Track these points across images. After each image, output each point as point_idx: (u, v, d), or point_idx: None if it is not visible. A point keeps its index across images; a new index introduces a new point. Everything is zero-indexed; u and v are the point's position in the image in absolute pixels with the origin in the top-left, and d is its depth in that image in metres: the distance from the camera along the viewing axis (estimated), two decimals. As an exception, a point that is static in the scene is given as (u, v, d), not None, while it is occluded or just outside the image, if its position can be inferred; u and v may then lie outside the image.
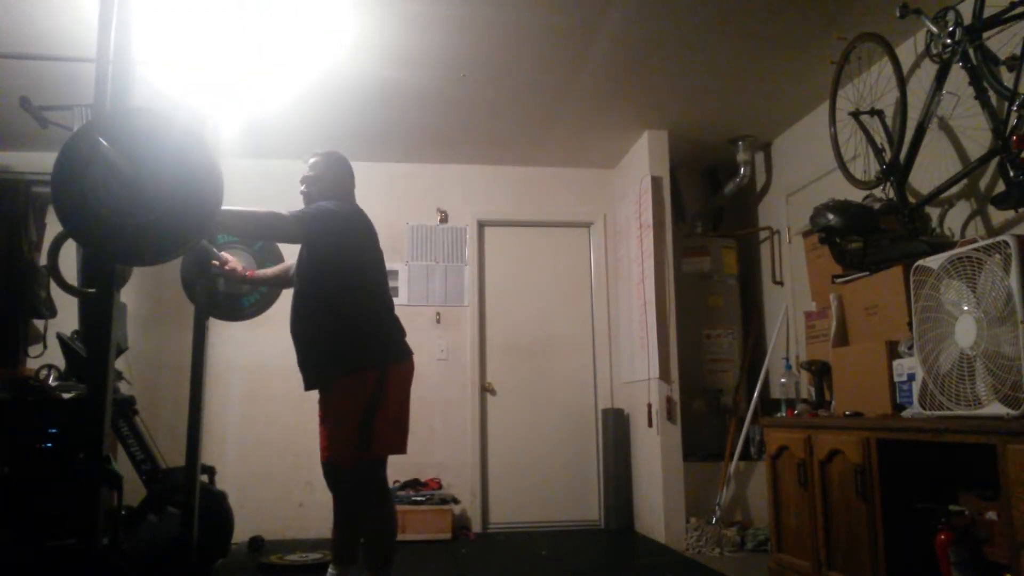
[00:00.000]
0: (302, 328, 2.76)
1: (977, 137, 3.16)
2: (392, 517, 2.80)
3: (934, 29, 3.11)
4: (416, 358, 5.27)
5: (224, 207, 1.99)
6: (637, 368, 4.95)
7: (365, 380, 2.64)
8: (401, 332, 2.84)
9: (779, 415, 3.71)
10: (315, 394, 2.82)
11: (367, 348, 2.68)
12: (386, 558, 2.70)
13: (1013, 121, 2.77)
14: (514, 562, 4.21)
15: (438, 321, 5.32)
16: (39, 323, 4.17)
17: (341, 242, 2.71)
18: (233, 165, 4.72)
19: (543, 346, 5.47)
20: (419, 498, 4.80)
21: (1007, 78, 2.84)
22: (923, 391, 2.64)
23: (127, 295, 3.97)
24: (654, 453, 4.63)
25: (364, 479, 2.68)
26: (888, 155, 3.48)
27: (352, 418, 2.62)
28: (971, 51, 2.94)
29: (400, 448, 2.72)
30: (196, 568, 2.91)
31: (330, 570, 2.73)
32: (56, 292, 4.16)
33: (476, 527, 5.07)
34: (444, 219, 5.48)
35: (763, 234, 5.15)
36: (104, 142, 1.81)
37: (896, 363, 2.97)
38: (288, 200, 5.27)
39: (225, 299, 3.07)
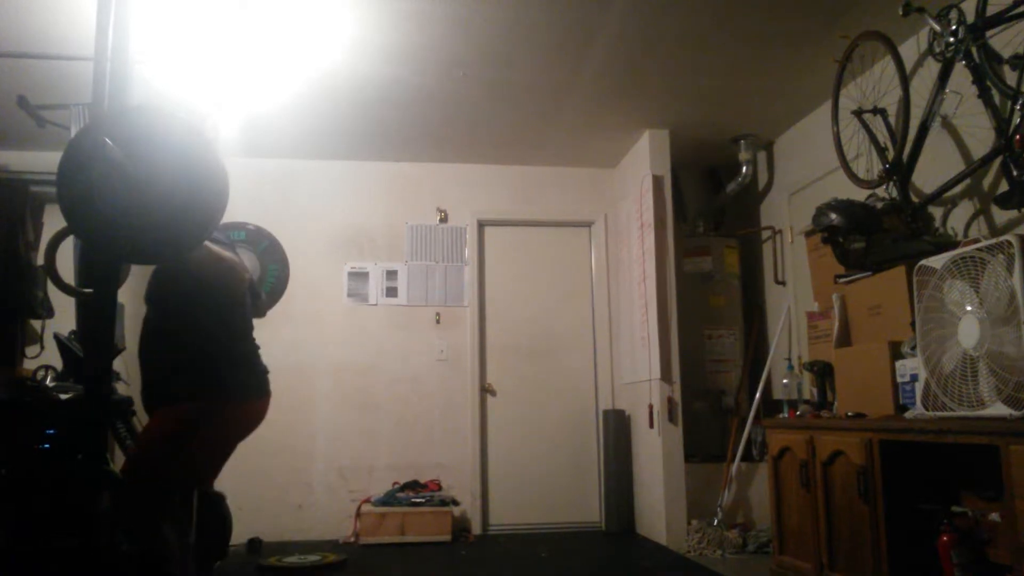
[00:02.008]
0: None
1: (980, 136, 3.14)
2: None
3: (937, 27, 3.09)
4: (416, 358, 5.34)
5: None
6: (638, 368, 4.93)
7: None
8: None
9: (781, 416, 3.69)
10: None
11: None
12: None
13: (1016, 120, 2.75)
14: (514, 564, 4.19)
15: (438, 321, 5.31)
16: (36, 323, 4.16)
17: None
18: (231, 164, 4.70)
19: (543, 346, 5.45)
20: (419, 500, 4.78)
21: (1010, 77, 2.83)
22: (926, 392, 2.62)
23: (125, 295, 3.95)
24: (655, 454, 4.61)
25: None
26: (891, 154, 3.46)
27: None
28: (974, 49, 2.93)
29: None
30: (194, 569, 2.90)
31: None
32: (53, 292, 4.14)
33: (476, 529, 5.06)
34: (444, 219, 5.46)
35: (765, 234, 5.13)
36: (108, 141, 1.79)
37: (899, 363, 2.96)
38: (286, 198, 5.28)
39: None
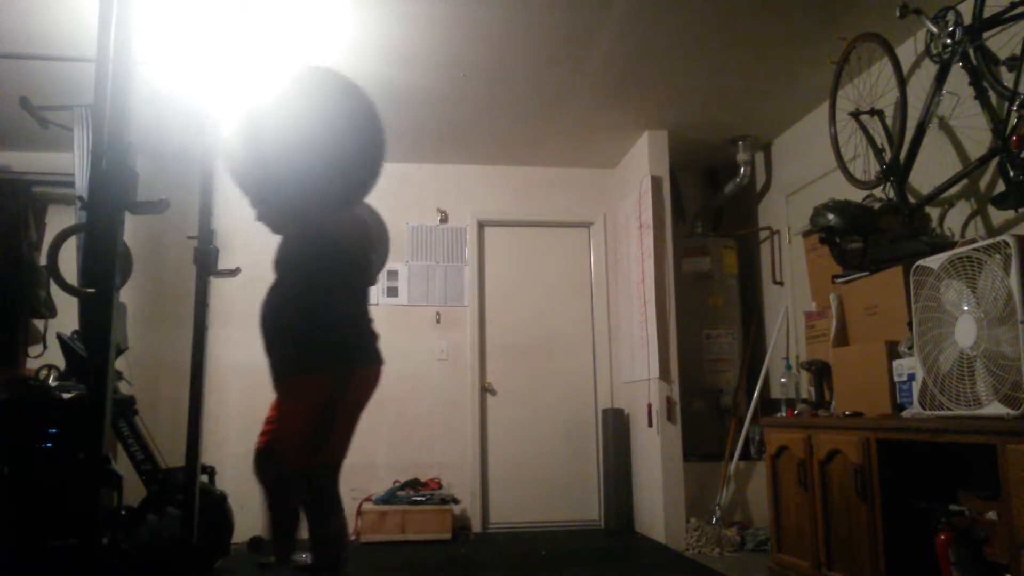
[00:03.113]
0: None
1: (977, 137, 3.16)
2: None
3: (934, 29, 3.11)
4: (417, 358, 5.34)
5: None
6: (637, 368, 4.95)
7: None
8: None
9: (779, 415, 3.70)
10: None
11: None
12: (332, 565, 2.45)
13: (1013, 121, 2.77)
14: (514, 562, 4.20)
15: (438, 321, 5.32)
16: (39, 323, 4.18)
17: None
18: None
19: (543, 346, 5.47)
20: (419, 498, 4.80)
21: (1007, 78, 2.84)
22: (923, 391, 2.64)
23: (127, 295, 3.97)
24: (654, 453, 4.63)
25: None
26: (888, 155, 3.48)
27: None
28: (971, 51, 2.95)
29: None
30: (196, 568, 2.91)
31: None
32: (56, 292, 4.16)
33: (476, 527, 5.07)
34: (444, 219, 5.48)
35: (763, 234, 5.15)
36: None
37: (896, 363, 2.97)
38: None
39: None
